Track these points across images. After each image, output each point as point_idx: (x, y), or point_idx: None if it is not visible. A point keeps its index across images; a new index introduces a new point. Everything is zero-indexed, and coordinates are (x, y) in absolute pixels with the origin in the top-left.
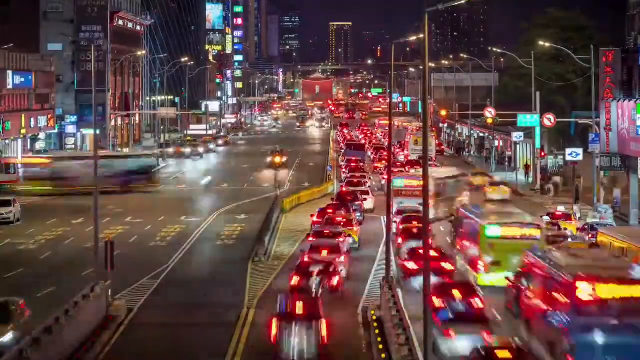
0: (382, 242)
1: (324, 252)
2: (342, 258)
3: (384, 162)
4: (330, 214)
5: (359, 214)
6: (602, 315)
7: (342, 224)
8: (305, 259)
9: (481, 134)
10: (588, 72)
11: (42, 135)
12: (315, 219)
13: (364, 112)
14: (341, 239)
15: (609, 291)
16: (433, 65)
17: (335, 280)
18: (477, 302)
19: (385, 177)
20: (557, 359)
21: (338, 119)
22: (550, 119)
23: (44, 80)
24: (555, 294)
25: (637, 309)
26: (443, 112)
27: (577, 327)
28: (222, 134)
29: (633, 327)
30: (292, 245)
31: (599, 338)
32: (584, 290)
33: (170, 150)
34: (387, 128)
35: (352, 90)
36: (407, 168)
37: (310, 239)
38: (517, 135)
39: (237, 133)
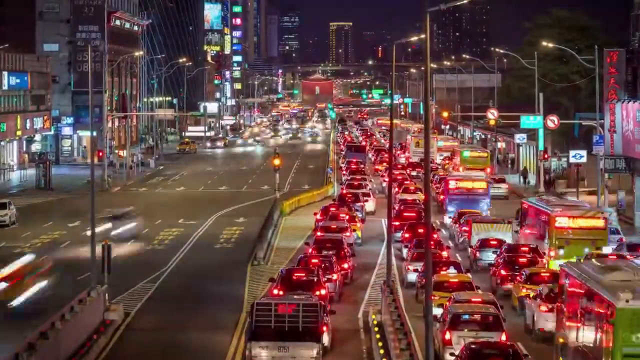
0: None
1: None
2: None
3: (384, 164)
4: (334, 211)
5: (360, 214)
6: None
7: (346, 220)
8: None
9: (483, 136)
10: (592, 72)
11: (37, 137)
12: (319, 216)
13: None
14: (347, 234)
15: None
16: (435, 66)
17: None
18: None
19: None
20: None
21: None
22: (553, 121)
23: (39, 81)
24: None
25: None
26: (445, 114)
27: None
28: (220, 135)
29: None
30: (291, 251)
31: None
32: None
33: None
34: (384, 128)
35: (353, 91)
36: (408, 170)
37: (318, 233)
38: (520, 137)
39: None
